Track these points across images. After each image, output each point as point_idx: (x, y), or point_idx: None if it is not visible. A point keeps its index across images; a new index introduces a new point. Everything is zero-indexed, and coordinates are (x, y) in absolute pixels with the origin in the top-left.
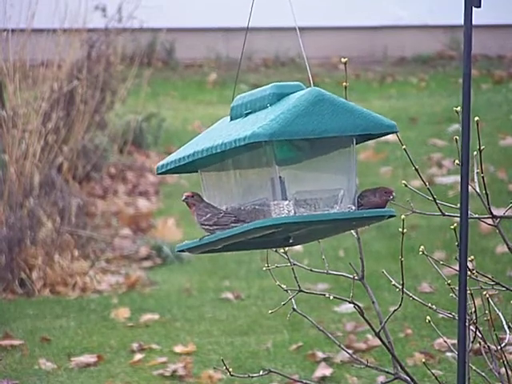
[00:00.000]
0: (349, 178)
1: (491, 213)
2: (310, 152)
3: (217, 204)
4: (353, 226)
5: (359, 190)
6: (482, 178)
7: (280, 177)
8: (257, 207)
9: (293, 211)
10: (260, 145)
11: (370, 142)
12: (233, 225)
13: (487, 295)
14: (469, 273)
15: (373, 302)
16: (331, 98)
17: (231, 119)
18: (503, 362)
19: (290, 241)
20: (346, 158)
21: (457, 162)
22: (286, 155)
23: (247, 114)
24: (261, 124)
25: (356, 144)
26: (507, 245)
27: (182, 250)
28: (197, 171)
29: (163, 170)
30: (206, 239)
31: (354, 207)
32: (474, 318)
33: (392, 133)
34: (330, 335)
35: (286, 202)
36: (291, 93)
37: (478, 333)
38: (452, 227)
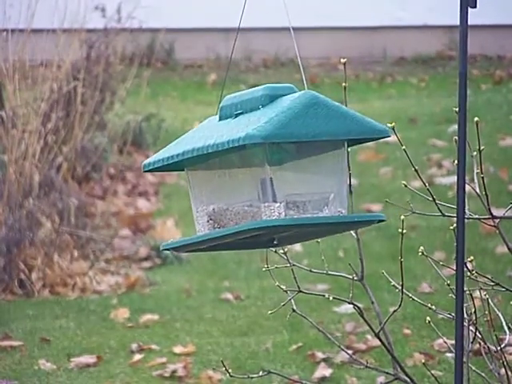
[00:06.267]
0: (339, 181)
1: (491, 213)
2: (301, 154)
3: (204, 204)
4: (342, 229)
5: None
6: (482, 178)
7: (271, 178)
8: (245, 208)
9: (283, 213)
10: (252, 146)
11: (370, 143)
12: None
13: (486, 295)
14: (468, 273)
15: (372, 303)
16: (325, 101)
17: (220, 119)
18: (503, 362)
19: (275, 242)
20: (337, 161)
21: (456, 162)
22: (277, 157)
23: (237, 115)
24: (255, 126)
25: (348, 147)
26: (507, 245)
27: (167, 249)
28: (183, 170)
29: (150, 167)
30: (193, 238)
31: (344, 211)
32: (474, 318)
33: (384, 137)
34: (329, 336)
35: (277, 205)
36: (284, 95)
37: (477, 333)
38: (451, 228)
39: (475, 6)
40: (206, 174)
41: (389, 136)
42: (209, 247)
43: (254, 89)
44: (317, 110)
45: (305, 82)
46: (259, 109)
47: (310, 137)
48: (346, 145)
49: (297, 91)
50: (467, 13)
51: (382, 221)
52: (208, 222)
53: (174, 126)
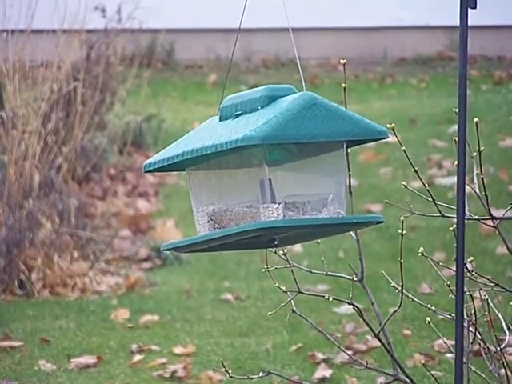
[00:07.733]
0: (338, 182)
1: (491, 214)
2: (299, 155)
3: (204, 204)
4: (341, 230)
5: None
6: (482, 179)
7: (270, 179)
8: (245, 209)
9: (282, 215)
10: (250, 146)
11: (371, 143)
12: None
13: (486, 296)
14: (468, 274)
15: (372, 304)
16: (324, 102)
17: (220, 120)
18: (503, 363)
19: (276, 242)
20: (336, 162)
21: (456, 162)
22: (275, 157)
23: (237, 116)
24: (253, 127)
25: (347, 148)
26: (507, 246)
27: (168, 249)
28: (184, 170)
29: (150, 168)
30: (193, 239)
31: (343, 212)
32: (474, 319)
33: (383, 139)
34: (329, 336)
35: (276, 206)
36: (283, 96)
37: (477, 334)
38: (451, 228)
39: (475, 7)
40: (206, 174)
41: (387, 137)
42: (210, 247)
43: (254, 89)
44: (315, 112)
45: (303, 82)
46: (258, 110)
47: (308, 138)
48: (344, 146)
49: (296, 92)
50: (467, 13)
51: (381, 222)
52: (208, 222)
53: (174, 126)
